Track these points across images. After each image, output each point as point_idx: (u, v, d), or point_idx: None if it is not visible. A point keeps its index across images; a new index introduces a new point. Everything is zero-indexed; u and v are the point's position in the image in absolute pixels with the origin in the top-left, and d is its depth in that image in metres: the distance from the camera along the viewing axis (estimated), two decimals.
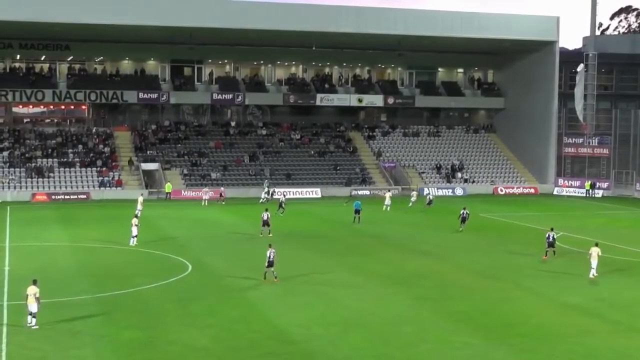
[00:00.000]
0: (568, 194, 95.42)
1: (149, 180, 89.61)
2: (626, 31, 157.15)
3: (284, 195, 77.63)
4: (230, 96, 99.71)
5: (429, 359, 30.49)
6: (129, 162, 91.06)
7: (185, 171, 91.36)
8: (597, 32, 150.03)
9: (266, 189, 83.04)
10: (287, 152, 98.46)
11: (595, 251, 45.37)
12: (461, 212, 63.30)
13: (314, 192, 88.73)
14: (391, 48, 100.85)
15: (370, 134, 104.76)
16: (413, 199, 78.67)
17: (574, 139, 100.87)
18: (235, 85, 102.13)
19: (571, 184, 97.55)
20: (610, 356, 31.09)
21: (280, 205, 71.36)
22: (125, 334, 32.67)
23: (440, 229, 64.87)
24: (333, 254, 52.54)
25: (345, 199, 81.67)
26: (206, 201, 79.68)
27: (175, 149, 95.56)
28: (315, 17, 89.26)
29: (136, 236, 54.05)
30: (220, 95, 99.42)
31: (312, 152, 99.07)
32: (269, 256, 42.90)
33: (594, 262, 45.14)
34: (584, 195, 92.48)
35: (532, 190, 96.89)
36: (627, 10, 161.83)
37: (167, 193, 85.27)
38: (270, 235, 57.18)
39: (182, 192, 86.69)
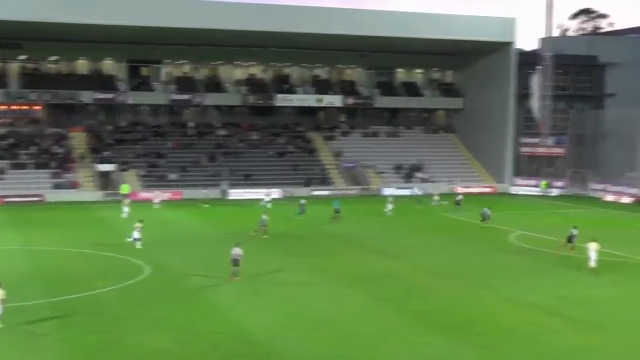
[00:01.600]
0: (525, 193, 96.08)
1: (105, 182, 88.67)
2: (585, 33, 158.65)
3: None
4: (189, 97, 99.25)
5: (391, 359, 30.50)
6: (82, 160, 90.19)
7: (143, 172, 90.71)
8: (557, 33, 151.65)
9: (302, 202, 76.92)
10: (246, 152, 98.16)
11: (592, 247, 47.04)
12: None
13: (274, 193, 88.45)
14: (351, 49, 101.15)
15: (330, 134, 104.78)
16: (389, 207, 74.80)
17: (530, 139, 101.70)
18: (193, 86, 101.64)
19: (528, 183, 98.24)
20: (570, 354, 31.37)
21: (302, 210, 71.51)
22: (85, 338, 32.30)
23: (402, 229, 64.97)
24: (296, 254, 52.46)
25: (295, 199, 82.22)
26: (158, 204, 79.01)
27: (133, 150, 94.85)
28: (274, 17, 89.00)
29: (140, 239, 53.12)
30: (178, 96, 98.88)
31: (272, 152, 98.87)
32: (235, 255, 43.05)
33: (593, 255, 46.71)
34: (541, 194, 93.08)
35: (490, 190, 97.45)
36: (586, 12, 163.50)
37: (123, 194, 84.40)
38: (265, 237, 57.70)
39: (140, 193, 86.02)
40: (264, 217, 60.12)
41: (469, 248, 56.40)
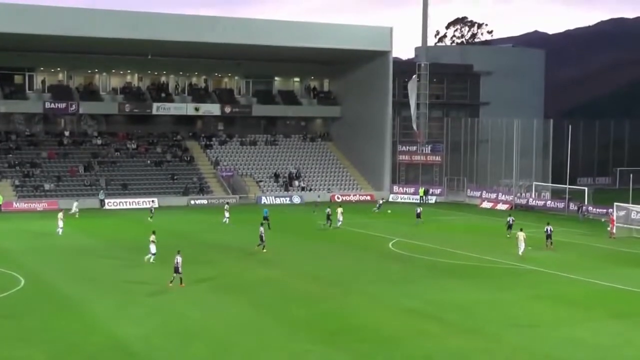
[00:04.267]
0: (403, 200, 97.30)
1: None
2: (460, 41, 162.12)
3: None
4: (64, 105, 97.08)
5: None
6: None
7: (17, 182, 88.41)
8: (434, 41, 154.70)
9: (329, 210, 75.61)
10: (123, 161, 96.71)
11: (521, 235, 55.01)
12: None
13: (151, 202, 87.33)
14: (228, 57, 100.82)
15: (208, 143, 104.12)
16: (339, 219, 72.60)
17: (407, 147, 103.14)
18: (68, 94, 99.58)
19: (406, 191, 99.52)
20: (446, 357, 31.89)
21: (328, 217, 70.95)
22: None
23: (282, 236, 64.80)
24: (172, 264, 51.72)
25: (313, 206, 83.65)
26: (77, 212, 77.12)
27: (6, 159, 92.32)
28: (150, 25, 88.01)
29: (154, 254, 50.83)
30: (53, 104, 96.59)
31: (149, 161, 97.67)
32: (177, 262, 43.41)
33: (522, 244, 54.47)
34: (418, 201, 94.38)
35: (369, 197, 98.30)
36: (462, 20, 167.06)
37: None
38: (265, 250, 56.21)
39: (14, 203, 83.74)
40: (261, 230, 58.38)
41: (349, 255, 56.79)
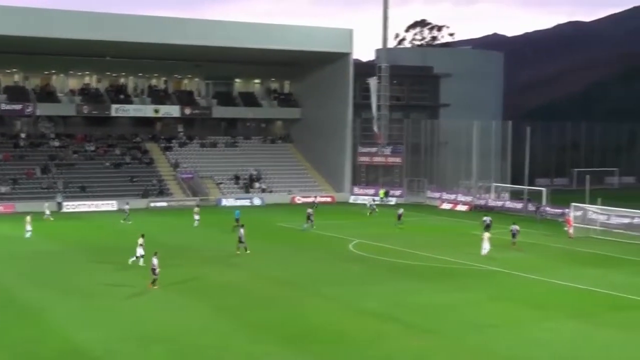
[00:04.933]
0: (363, 202, 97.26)
1: None
2: (420, 44, 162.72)
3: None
4: (20, 107, 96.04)
5: None
6: None
7: None
8: (394, 44, 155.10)
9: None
10: (82, 164, 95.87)
11: (486, 235, 56.13)
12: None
13: (110, 205, 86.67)
14: (187, 59, 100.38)
15: (167, 144, 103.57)
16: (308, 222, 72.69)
17: (368, 148, 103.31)
18: (24, 95, 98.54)
19: (366, 192, 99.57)
20: (407, 358, 31.94)
21: (309, 218, 71.36)
22: None
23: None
24: (133, 267, 51.33)
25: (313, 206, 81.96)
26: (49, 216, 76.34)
27: None
28: (109, 26, 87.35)
29: (143, 256, 50.00)
30: (8, 106, 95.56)
31: (108, 163, 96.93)
32: (153, 264, 43.57)
33: (486, 244, 55.32)
34: (379, 203, 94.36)
35: (329, 199, 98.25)
36: (422, 23, 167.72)
37: None
38: (248, 252, 56.04)
39: None
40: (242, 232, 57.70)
41: (309, 257, 56.68)
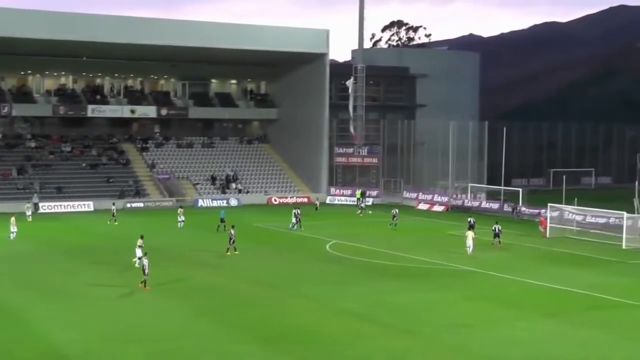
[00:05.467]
0: (340, 202, 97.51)
1: None
2: (397, 44, 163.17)
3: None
4: None
5: None
6: None
7: None
8: (371, 44, 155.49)
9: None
10: (58, 164, 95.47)
11: (470, 234, 57.97)
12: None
13: (86, 206, 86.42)
14: (163, 59, 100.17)
15: (144, 145, 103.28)
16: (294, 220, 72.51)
17: (344, 149, 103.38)
18: (0, 96, 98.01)
19: (343, 193, 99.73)
20: (384, 358, 32.12)
21: (297, 218, 71.81)
22: None
23: (222, 240, 64.30)
24: (111, 268, 51.26)
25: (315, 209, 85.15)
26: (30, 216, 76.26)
27: None
28: (85, 27, 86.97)
29: (141, 258, 49.19)
30: None
31: (84, 164, 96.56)
32: (144, 265, 43.90)
33: (470, 242, 57.21)
34: (355, 203, 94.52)
35: (306, 200, 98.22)
36: (398, 24, 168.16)
37: None
38: (237, 252, 56.18)
39: None
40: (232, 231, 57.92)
41: (287, 257, 56.80)
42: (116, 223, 73.98)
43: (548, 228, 68.09)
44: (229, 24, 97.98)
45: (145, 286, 43.81)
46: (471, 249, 57.18)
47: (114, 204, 79.11)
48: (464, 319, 38.34)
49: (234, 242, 56.74)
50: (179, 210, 74.29)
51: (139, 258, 49.43)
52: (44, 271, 50.55)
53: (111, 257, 55.87)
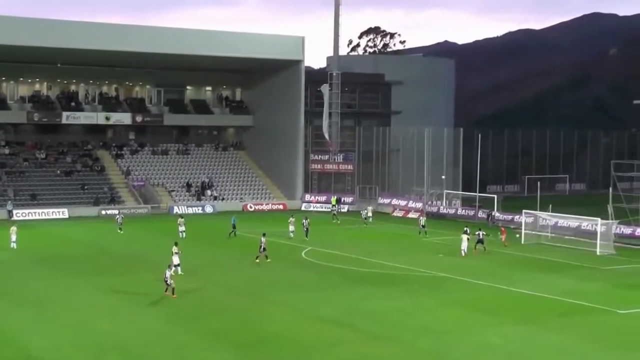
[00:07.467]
0: (315, 209, 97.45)
1: None
2: (373, 51, 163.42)
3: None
4: None
5: None
6: None
7: None
8: (346, 51, 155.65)
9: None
10: (32, 171, 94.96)
11: (465, 237, 60.18)
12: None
13: (61, 213, 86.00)
14: (138, 66, 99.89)
15: (119, 152, 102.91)
16: (291, 228, 71.83)
17: (320, 156, 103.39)
18: None
19: (318, 200, 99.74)
20: None
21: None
22: None
23: (196, 247, 64.11)
24: (86, 275, 51.08)
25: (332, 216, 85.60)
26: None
27: None
28: (60, 33, 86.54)
29: (179, 265, 49.86)
30: None
31: (59, 171, 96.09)
32: (166, 275, 44.10)
33: (465, 244, 59.67)
34: (330, 210, 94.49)
35: (281, 207, 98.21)
36: (375, 30, 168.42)
37: None
38: (268, 260, 55.73)
39: None
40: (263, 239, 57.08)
41: (263, 264, 56.56)
42: (122, 232, 72.96)
43: (523, 234, 68.33)
44: (204, 30, 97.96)
45: (173, 294, 43.63)
46: (465, 249, 59.77)
47: (119, 213, 78.40)
48: (440, 325, 38.48)
49: (265, 249, 56.13)
50: (179, 220, 71.62)
51: (177, 265, 49.63)
52: (17, 279, 50.22)
53: (86, 264, 55.66)
